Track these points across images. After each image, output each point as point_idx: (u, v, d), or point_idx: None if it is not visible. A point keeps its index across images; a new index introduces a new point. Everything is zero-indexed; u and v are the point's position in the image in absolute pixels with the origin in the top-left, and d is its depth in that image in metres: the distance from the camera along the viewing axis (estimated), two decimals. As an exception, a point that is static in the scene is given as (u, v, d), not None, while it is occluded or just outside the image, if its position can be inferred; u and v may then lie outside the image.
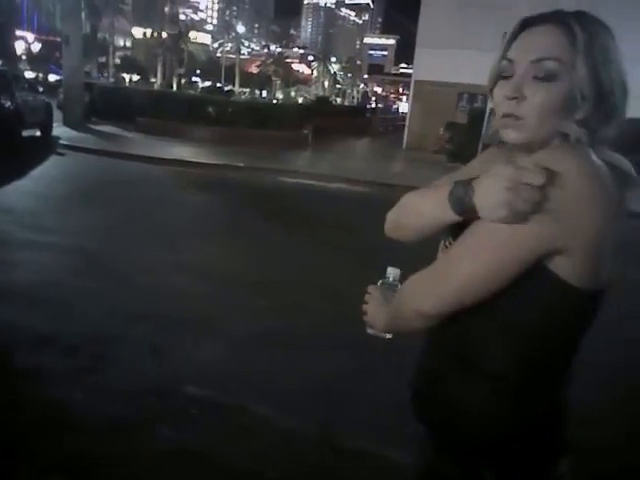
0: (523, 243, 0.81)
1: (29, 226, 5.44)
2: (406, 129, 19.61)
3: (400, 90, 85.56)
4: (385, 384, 2.74)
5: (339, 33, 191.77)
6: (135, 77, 59.14)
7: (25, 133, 10.99)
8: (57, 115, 13.68)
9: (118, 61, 60.76)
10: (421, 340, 1.06)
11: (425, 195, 0.99)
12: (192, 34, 71.96)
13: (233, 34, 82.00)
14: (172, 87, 48.99)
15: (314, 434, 2.47)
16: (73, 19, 15.10)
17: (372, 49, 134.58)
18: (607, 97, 0.84)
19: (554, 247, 0.80)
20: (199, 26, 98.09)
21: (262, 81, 71.51)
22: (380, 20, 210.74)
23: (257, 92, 70.06)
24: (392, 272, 1.12)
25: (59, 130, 13.07)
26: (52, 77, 39.87)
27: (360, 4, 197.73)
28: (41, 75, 42.95)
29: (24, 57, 51.25)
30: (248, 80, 69.54)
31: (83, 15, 17.01)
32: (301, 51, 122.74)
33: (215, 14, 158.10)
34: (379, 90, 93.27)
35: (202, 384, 2.79)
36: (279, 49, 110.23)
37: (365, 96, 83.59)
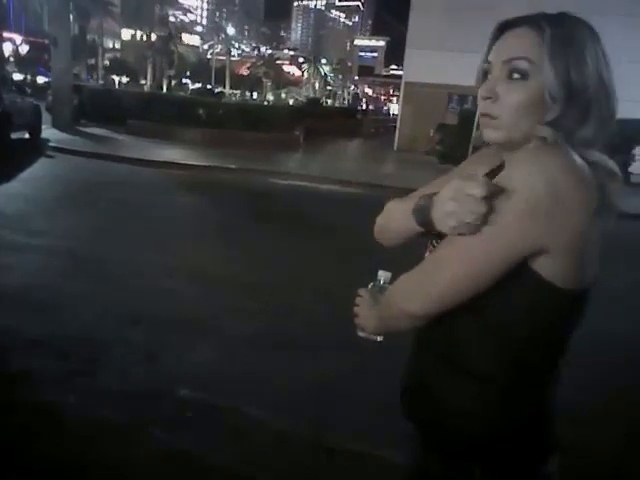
0: (507, 243, 0.81)
1: (18, 229, 5.40)
2: (397, 130, 19.68)
3: (391, 91, 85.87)
4: (378, 384, 2.74)
5: (329, 35, 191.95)
6: (125, 79, 58.78)
7: (14, 135, 10.90)
8: (46, 117, 13.57)
9: (107, 63, 60.31)
10: (411, 340, 1.06)
11: (404, 203, 1.04)
12: (182, 36, 71.75)
13: (223, 36, 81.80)
14: (162, 89, 48.76)
15: (307, 435, 2.47)
16: (61, 21, 14.99)
17: (362, 51, 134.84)
18: (579, 98, 0.84)
19: (538, 247, 0.81)
20: (189, 28, 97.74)
21: (253, 83, 71.35)
22: (370, 22, 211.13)
23: (248, 94, 69.92)
24: (383, 275, 1.13)
25: (48, 132, 12.97)
26: (40, 79, 39.51)
27: (350, 6, 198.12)
28: (29, 77, 42.59)
29: (12, 59, 50.77)
30: (239, 82, 69.37)
31: (71, 17, 16.87)
32: (291, 53, 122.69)
33: (205, 16, 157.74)
34: (370, 92, 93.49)
35: (195, 386, 2.78)
36: (269, 51, 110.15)
37: (356, 98, 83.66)
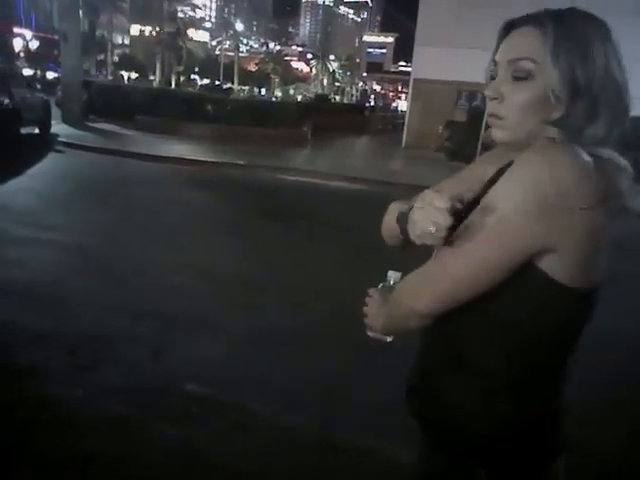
0: (514, 242, 0.80)
1: (28, 223, 5.43)
2: (405, 127, 19.59)
3: (399, 88, 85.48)
4: (384, 382, 2.74)
5: (338, 31, 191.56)
6: (134, 75, 58.97)
7: (23, 130, 10.97)
8: (55, 112, 13.64)
9: (116, 59, 60.58)
10: (418, 339, 1.06)
11: (400, 205, 1.07)
12: (191, 32, 71.81)
13: (232, 32, 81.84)
14: (171, 85, 48.87)
15: (314, 432, 2.47)
16: (71, 16, 15.05)
17: (371, 47, 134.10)
18: (586, 96, 0.83)
19: (545, 245, 0.80)
20: (198, 24, 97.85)
21: (261, 79, 71.38)
22: (379, 18, 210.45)
23: (256, 90, 69.94)
24: (393, 275, 1.12)
25: (57, 128, 13.03)
26: (50, 75, 39.80)
27: (359, 2, 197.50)
28: (39, 73, 42.86)
29: (22, 54, 51.09)
30: (247, 78, 69.42)
31: (81, 13, 16.93)
32: (300, 49, 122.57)
33: (214, 12, 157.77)
34: (378, 88, 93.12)
35: (201, 382, 2.79)
36: (278, 47, 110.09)
37: (364, 94, 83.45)
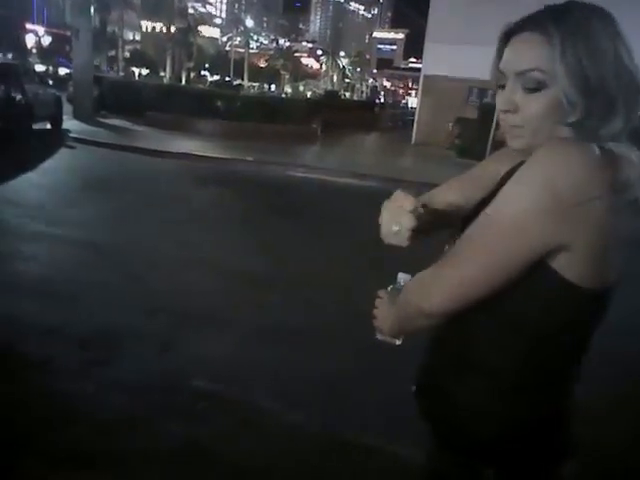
0: (529, 240, 0.79)
1: (39, 219, 5.48)
2: (415, 124, 19.50)
3: (409, 85, 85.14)
4: (392, 381, 2.74)
5: (348, 27, 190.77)
6: (144, 71, 59.24)
7: (35, 126, 11.07)
8: (67, 108, 13.74)
9: (127, 55, 60.82)
10: (426, 338, 1.06)
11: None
12: (201, 28, 71.94)
13: (242, 28, 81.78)
14: (181, 81, 49.02)
15: (321, 430, 2.47)
16: (83, 13, 15.12)
17: (381, 43, 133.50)
18: (600, 95, 0.81)
19: (558, 243, 0.79)
20: (208, 20, 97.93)
21: (271, 75, 71.35)
22: (389, 14, 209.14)
23: (266, 86, 69.96)
24: (403, 277, 1.10)
25: (69, 123, 13.13)
26: (62, 70, 40.01)
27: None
28: (51, 68, 43.15)
29: (34, 50, 51.49)
30: (257, 74, 69.41)
31: (92, 9, 17.02)
32: (310, 45, 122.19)
33: (224, 8, 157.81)
34: (388, 85, 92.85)
35: (209, 379, 2.80)
36: (288, 43, 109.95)
37: (374, 91, 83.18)
